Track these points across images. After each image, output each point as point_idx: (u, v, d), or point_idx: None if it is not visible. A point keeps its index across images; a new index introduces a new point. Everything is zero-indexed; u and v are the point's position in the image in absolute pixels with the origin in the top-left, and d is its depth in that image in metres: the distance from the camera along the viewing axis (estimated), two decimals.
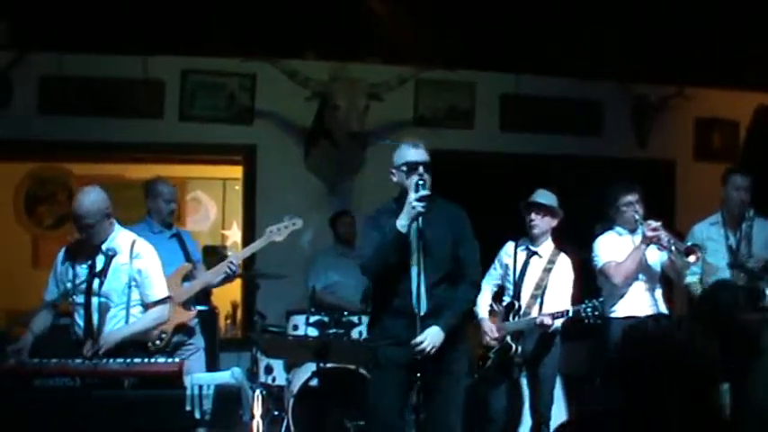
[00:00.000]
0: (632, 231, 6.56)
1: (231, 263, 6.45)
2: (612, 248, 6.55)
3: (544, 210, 6.41)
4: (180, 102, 8.55)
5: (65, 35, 8.19)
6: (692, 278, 6.69)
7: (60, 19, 8.22)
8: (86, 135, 8.34)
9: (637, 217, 6.46)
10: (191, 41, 8.51)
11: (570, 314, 6.10)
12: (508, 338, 6.26)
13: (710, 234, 6.75)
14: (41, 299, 5.44)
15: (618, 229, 6.63)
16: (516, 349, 6.24)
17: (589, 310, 6.03)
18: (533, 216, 6.40)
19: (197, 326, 6.48)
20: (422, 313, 4.86)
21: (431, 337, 4.89)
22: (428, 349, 4.87)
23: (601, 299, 6.14)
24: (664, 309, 6.52)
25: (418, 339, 4.87)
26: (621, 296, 6.42)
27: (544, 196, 6.44)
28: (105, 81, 8.37)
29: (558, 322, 6.16)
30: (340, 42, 8.81)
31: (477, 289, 5.42)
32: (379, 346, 5.05)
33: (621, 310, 6.40)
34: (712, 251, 6.70)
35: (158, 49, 8.39)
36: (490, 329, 6.36)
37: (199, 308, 6.63)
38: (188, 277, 6.45)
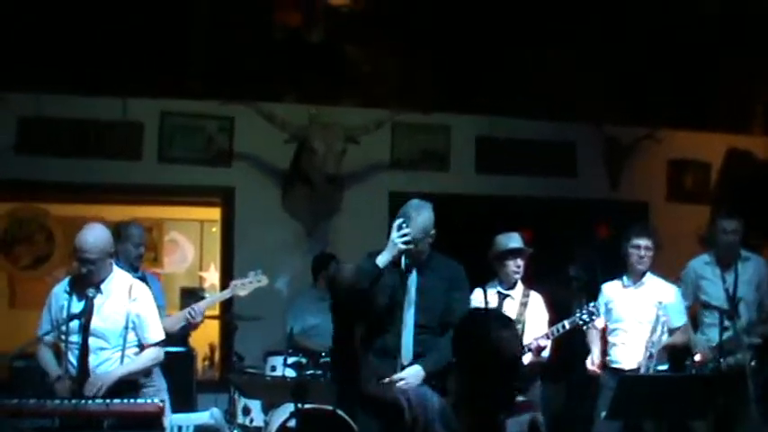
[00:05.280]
0: (634, 283, 6.52)
1: (192, 310, 6.39)
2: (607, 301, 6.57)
3: (522, 255, 6.40)
4: (159, 143, 8.58)
5: (44, 76, 8.20)
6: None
7: (39, 60, 8.26)
8: (65, 176, 8.34)
9: (640, 260, 6.45)
10: (170, 84, 8.57)
11: (567, 327, 6.06)
12: None
13: (705, 273, 6.83)
14: (26, 337, 5.38)
15: (625, 277, 6.58)
16: None
17: (585, 316, 6.02)
18: (519, 262, 6.36)
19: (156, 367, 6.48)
20: (406, 362, 4.91)
21: (411, 376, 4.91)
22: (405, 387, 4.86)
23: (592, 303, 6.12)
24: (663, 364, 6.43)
25: (397, 376, 4.89)
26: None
27: (516, 240, 6.42)
28: (84, 122, 8.39)
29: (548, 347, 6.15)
30: (317, 86, 8.92)
31: None
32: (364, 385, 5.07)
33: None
34: (707, 290, 6.78)
35: (138, 91, 8.42)
36: None
37: (174, 349, 6.62)
38: None
